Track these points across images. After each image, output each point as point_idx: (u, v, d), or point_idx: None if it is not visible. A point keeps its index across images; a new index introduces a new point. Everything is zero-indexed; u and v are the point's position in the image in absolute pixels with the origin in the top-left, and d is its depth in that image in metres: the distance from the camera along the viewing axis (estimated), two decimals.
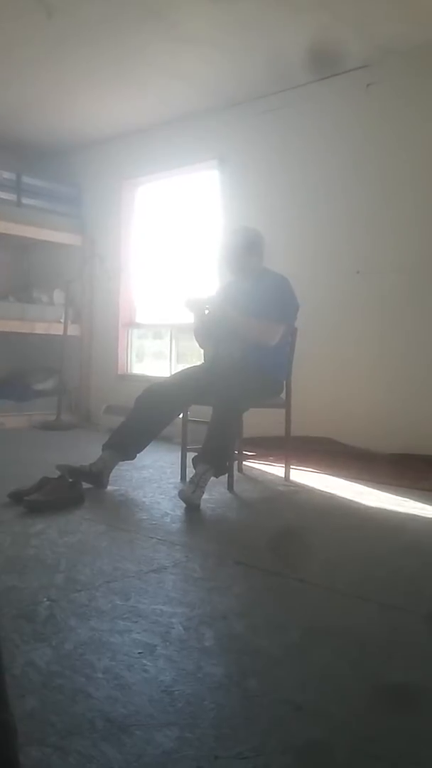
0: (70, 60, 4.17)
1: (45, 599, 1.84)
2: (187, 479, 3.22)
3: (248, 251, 3.43)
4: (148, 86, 4.57)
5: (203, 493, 2.98)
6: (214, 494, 3.14)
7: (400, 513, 2.98)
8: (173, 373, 3.77)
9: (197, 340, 3.59)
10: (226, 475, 3.22)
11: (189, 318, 3.65)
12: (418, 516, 2.95)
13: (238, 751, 1.17)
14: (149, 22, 3.65)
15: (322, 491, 3.39)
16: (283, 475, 3.63)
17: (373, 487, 3.45)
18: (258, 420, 3.66)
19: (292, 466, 3.65)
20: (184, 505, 2.93)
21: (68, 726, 1.23)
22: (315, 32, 3.61)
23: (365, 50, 3.93)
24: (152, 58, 4.10)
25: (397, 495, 3.29)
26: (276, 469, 3.83)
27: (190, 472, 3.16)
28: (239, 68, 4.26)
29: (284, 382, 3.51)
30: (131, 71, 4.33)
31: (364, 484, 3.52)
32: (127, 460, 3.38)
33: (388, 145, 4.07)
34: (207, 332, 3.47)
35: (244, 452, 3.90)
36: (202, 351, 3.60)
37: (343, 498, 3.26)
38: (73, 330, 5.74)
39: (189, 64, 4.20)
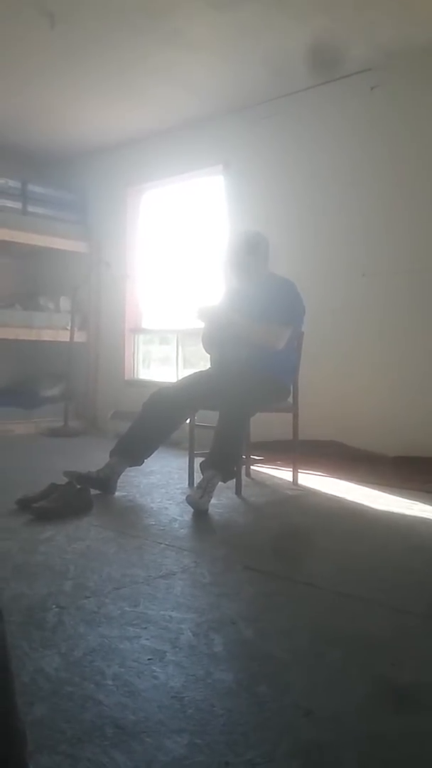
0: (75, 69, 4.20)
1: (54, 606, 1.84)
2: (195, 484, 3.22)
3: (252, 253, 3.43)
4: (152, 93, 4.59)
5: (211, 498, 2.97)
6: (222, 499, 3.14)
7: (408, 516, 2.97)
8: (180, 378, 3.77)
9: (204, 346, 3.59)
10: (234, 479, 3.22)
11: (199, 325, 3.66)
12: (426, 519, 2.93)
13: (248, 757, 1.17)
14: (151, 31, 3.67)
15: (330, 495, 3.39)
16: (291, 479, 3.63)
17: (381, 490, 3.44)
18: (265, 424, 3.66)
19: (299, 470, 3.65)
20: (192, 510, 2.92)
21: (78, 733, 1.23)
22: (317, 36, 3.61)
23: (368, 53, 3.93)
24: (155, 65, 4.11)
25: (405, 498, 3.28)
26: (284, 473, 3.82)
27: (198, 477, 3.16)
28: (242, 74, 4.27)
29: (291, 386, 3.51)
30: (135, 79, 4.34)
31: (372, 487, 3.51)
32: (135, 465, 3.38)
33: (392, 148, 4.07)
34: (213, 337, 3.47)
35: (252, 456, 3.89)
36: (208, 356, 3.61)
37: (351, 501, 3.25)
38: (79, 336, 5.76)
39: (192, 71, 4.22)
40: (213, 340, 3.49)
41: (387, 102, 4.08)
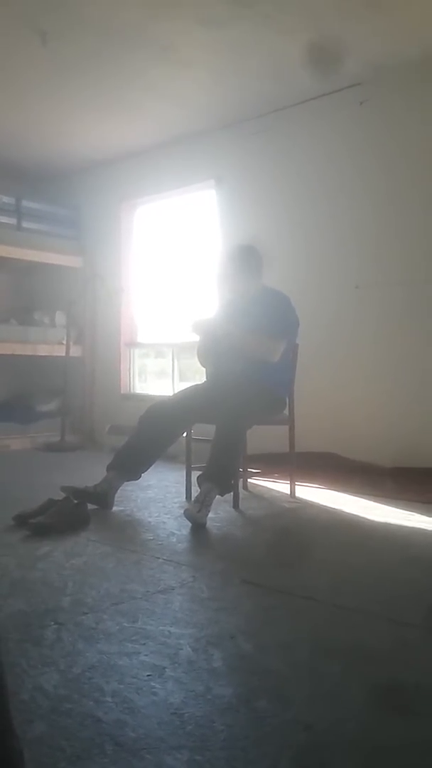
0: (68, 85, 4.23)
1: (52, 622, 1.84)
2: (192, 498, 3.21)
3: (246, 267, 3.45)
4: (145, 109, 4.63)
5: (209, 511, 2.97)
6: (219, 512, 3.14)
7: (405, 527, 2.97)
8: (176, 391, 3.78)
9: (199, 359, 3.61)
10: (232, 493, 3.22)
11: (194, 338, 3.67)
12: (424, 529, 2.93)
13: None
14: (143, 48, 3.71)
15: (328, 507, 3.38)
16: (288, 492, 3.63)
17: (378, 501, 3.44)
18: (262, 436, 3.66)
19: (297, 483, 3.65)
20: (189, 524, 2.92)
21: (78, 751, 1.22)
22: (306, 52, 3.65)
23: (357, 68, 3.97)
24: (147, 81, 4.15)
25: (402, 509, 3.28)
26: (281, 486, 3.82)
27: (195, 491, 3.16)
28: (233, 90, 4.31)
29: (287, 399, 3.52)
30: (127, 95, 4.38)
31: (369, 499, 3.51)
32: (132, 480, 3.38)
33: (382, 161, 4.11)
34: (208, 350, 3.48)
35: (249, 469, 3.89)
36: (204, 369, 3.61)
37: (349, 513, 3.25)
38: (75, 351, 5.77)
39: (184, 88, 4.26)
40: (208, 353, 3.50)
41: (376, 116, 4.12)
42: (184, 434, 3.54)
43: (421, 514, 3.17)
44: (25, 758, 0.97)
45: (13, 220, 5.57)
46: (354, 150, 4.24)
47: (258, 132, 4.69)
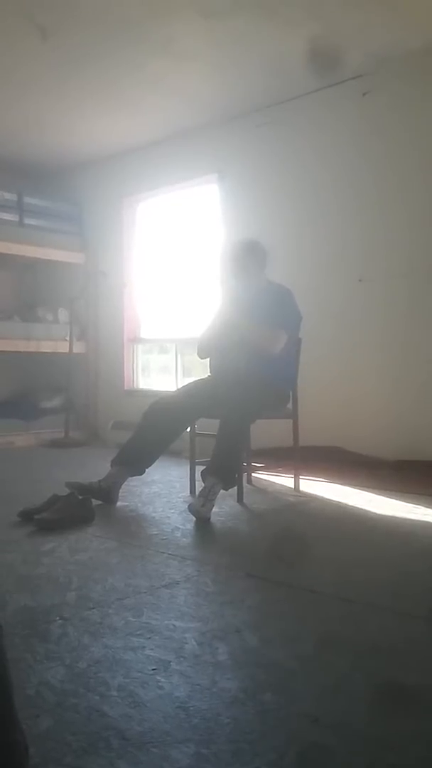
0: (69, 80, 4.22)
1: (57, 618, 1.84)
2: (197, 493, 3.21)
3: (249, 261, 3.44)
4: (145, 103, 4.61)
5: (213, 506, 2.97)
6: (223, 507, 3.14)
7: (410, 520, 2.97)
8: (180, 387, 3.78)
9: (199, 352, 3.59)
10: (236, 487, 3.22)
11: (197, 333, 3.66)
12: (428, 523, 2.93)
13: (255, 766, 1.17)
14: (143, 41, 3.69)
15: (332, 500, 3.38)
16: (292, 486, 3.62)
17: (383, 495, 3.44)
18: (266, 431, 3.66)
19: (301, 477, 3.65)
20: (194, 518, 2.92)
21: (84, 745, 1.22)
22: (309, 44, 3.63)
23: (360, 60, 3.95)
24: (148, 75, 4.14)
25: (406, 502, 3.27)
26: (285, 480, 3.82)
27: (199, 485, 3.16)
28: (235, 83, 4.29)
29: (291, 393, 3.51)
30: (128, 89, 4.37)
31: (374, 492, 3.50)
32: (136, 475, 3.38)
33: (386, 152, 4.09)
34: (210, 343, 3.47)
35: (253, 464, 3.89)
36: (207, 363, 3.61)
37: (354, 507, 3.24)
38: (78, 347, 5.76)
39: (185, 81, 4.24)
40: (211, 346, 3.49)
41: (379, 107, 4.10)
42: (188, 429, 3.54)
43: (426, 507, 3.17)
44: (31, 752, 0.97)
45: (15, 217, 5.56)
46: (357, 142, 4.22)
47: (260, 125, 4.67)
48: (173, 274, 5.50)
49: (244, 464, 3.55)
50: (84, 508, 2.94)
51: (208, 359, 3.59)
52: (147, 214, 5.75)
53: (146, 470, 3.38)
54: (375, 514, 3.09)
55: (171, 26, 3.56)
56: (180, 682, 1.47)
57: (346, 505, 3.29)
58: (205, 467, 3.11)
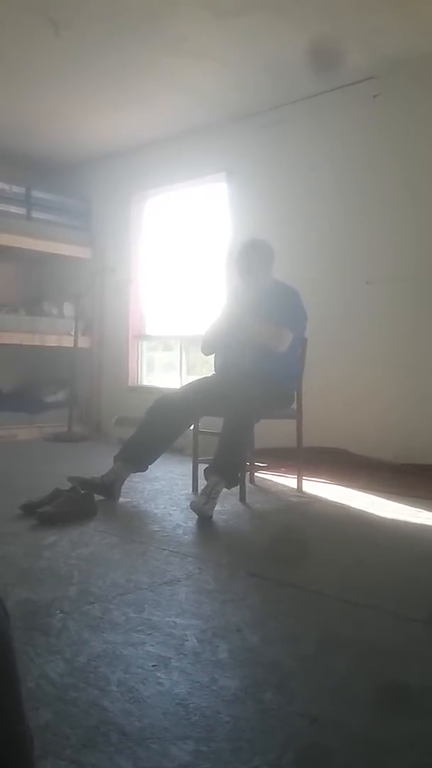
0: (79, 76, 4.22)
1: (58, 612, 1.84)
2: (199, 491, 3.21)
3: (257, 261, 3.44)
4: (156, 101, 4.61)
5: (215, 504, 2.97)
6: (226, 506, 3.14)
7: (413, 523, 2.96)
8: (184, 384, 3.77)
9: (203, 349, 3.58)
10: (238, 486, 3.22)
11: (202, 331, 3.66)
12: (431, 527, 2.92)
13: (254, 764, 1.17)
14: (155, 38, 3.69)
15: (335, 502, 3.38)
16: (295, 486, 3.62)
17: (387, 498, 3.43)
18: (269, 431, 3.65)
19: (304, 477, 3.64)
20: (196, 516, 2.92)
21: (83, 739, 1.22)
22: (320, 43, 3.62)
23: (371, 61, 3.94)
24: (159, 72, 4.13)
25: (410, 505, 3.27)
26: (288, 480, 3.82)
27: (202, 483, 3.16)
28: (245, 81, 4.28)
29: (295, 393, 3.51)
30: (138, 86, 4.37)
31: (377, 495, 3.50)
32: (139, 471, 3.38)
33: (395, 155, 4.08)
34: (215, 339, 3.47)
35: (256, 463, 3.89)
36: (211, 362, 3.61)
37: (356, 509, 3.24)
38: (83, 342, 5.77)
39: (195, 79, 4.23)
40: (216, 342, 3.49)
41: (389, 109, 4.09)
42: (192, 427, 3.54)
43: (429, 511, 3.16)
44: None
45: (23, 210, 5.57)
46: (367, 144, 4.21)
47: (270, 125, 4.66)
48: (179, 272, 5.50)
49: (248, 464, 3.55)
50: (86, 502, 2.95)
51: (212, 357, 3.59)
52: (155, 211, 5.75)
53: (149, 467, 3.38)
54: (378, 516, 3.09)
55: (183, 24, 3.55)
56: (180, 679, 1.47)
57: (348, 506, 3.28)
58: (208, 465, 3.11)
